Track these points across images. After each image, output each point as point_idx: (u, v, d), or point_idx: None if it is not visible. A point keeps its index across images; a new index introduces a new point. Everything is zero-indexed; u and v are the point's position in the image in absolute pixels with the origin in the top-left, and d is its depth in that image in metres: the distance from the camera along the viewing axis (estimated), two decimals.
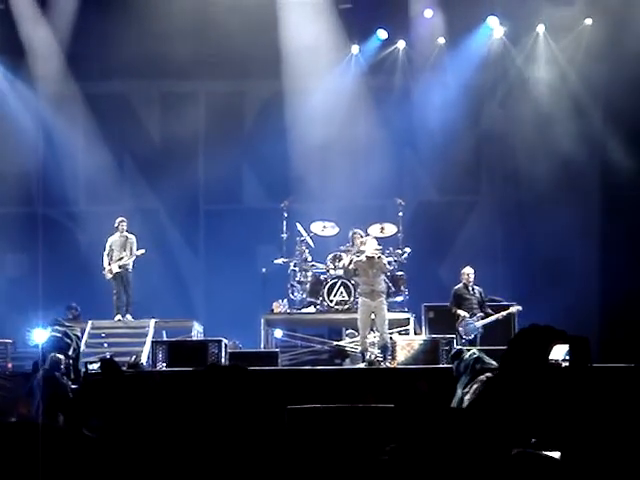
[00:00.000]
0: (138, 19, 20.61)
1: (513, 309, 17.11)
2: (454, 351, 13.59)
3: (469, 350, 12.85)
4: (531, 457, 3.89)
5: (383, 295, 16.21)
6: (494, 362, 12.52)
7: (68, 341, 14.57)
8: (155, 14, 20.64)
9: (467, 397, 12.10)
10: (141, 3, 20.71)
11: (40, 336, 18.48)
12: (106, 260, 18.93)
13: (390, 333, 16.42)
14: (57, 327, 14.87)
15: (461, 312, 16.84)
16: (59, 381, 13.62)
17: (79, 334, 15.29)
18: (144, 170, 22.16)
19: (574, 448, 4.00)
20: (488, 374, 12.07)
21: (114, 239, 18.99)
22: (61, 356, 14.01)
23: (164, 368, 15.55)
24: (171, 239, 21.87)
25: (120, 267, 18.81)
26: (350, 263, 16.57)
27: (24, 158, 21.32)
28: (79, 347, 15.12)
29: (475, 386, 12.26)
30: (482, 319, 16.86)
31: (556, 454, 4.21)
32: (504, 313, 17.00)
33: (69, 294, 18.97)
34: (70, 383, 13.68)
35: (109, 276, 18.87)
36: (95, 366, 13.81)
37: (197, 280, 22.14)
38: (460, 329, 16.71)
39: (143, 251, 19.09)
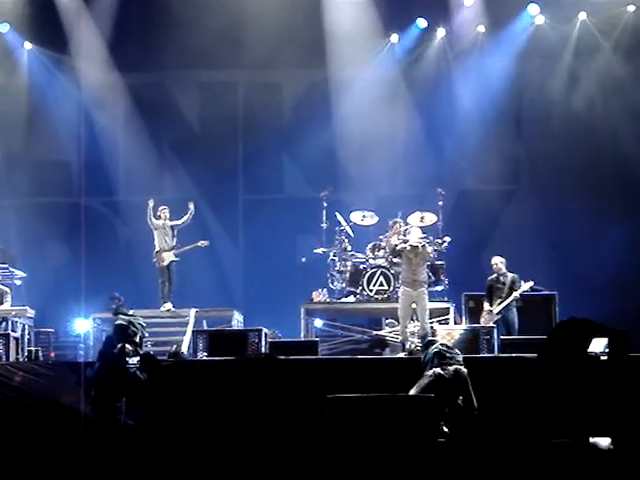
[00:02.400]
0: (177, 9, 20.66)
1: (525, 286, 16.90)
2: (425, 341, 13.86)
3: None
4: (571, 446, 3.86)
5: (425, 285, 16.18)
6: (459, 356, 12.82)
7: (134, 329, 14.67)
8: (195, 3, 20.70)
9: (412, 389, 12.34)
10: None
11: (82, 326, 18.67)
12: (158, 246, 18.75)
13: (430, 322, 16.39)
14: (122, 316, 14.96)
15: (486, 305, 16.78)
16: (128, 370, 13.74)
17: (143, 323, 15.38)
18: (183, 160, 22.24)
19: (624, 435, 3.97)
20: (437, 369, 12.45)
21: (161, 228, 18.79)
22: (129, 345, 14.11)
23: (204, 357, 15.61)
24: (211, 229, 21.91)
25: (176, 256, 18.70)
26: (398, 245, 16.51)
27: (66, 148, 21.46)
28: (144, 336, 15.23)
29: (421, 380, 12.56)
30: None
31: (606, 440, 4.19)
32: (516, 294, 16.81)
33: (110, 283, 19.05)
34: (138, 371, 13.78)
35: (165, 264, 18.78)
36: (135, 360, 13.90)
37: (237, 269, 22.19)
38: (482, 320, 16.70)
39: (207, 243, 19.11)
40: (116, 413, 12.98)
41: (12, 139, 21.94)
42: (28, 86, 21.96)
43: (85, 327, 18.41)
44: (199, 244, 18.97)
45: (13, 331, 16.74)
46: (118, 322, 14.90)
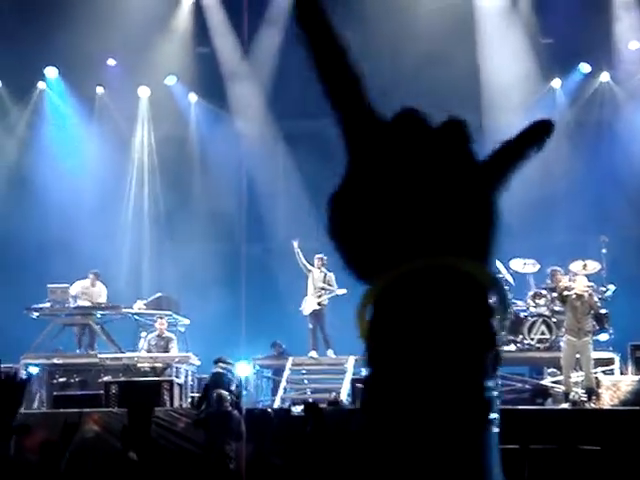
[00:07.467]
0: None
1: None
2: None
3: None
4: None
5: (589, 334, 15.83)
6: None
7: (231, 377, 14.84)
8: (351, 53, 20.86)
9: None
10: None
11: (242, 370, 18.87)
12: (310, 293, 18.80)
13: (594, 373, 15.99)
14: (221, 364, 15.10)
15: None
16: (232, 416, 13.96)
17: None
18: None
19: None
20: None
21: (313, 274, 18.87)
22: (225, 392, 14.29)
23: None
24: None
25: (319, 304, 18.67)
26: (566, 289, 16.20)
27: (227, 196, 21.87)
28: (242, 384, 15.37)
29: None
30: None
31: None
32: None
33: (270, 329, 19.24)
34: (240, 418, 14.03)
35: (307, 312, 18.84)
36: (299, 409, 13.96)
37: None
38: None
39: (345, 291, 18.99)
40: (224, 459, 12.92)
41: (176, 187, 22.51)
42: (192, 137, 22.55)
43: (246, 372, 18.57)
44: (339, 292, 18.64)
45: (177, 377, 17.02)
46: (215, 370, 15.01)
